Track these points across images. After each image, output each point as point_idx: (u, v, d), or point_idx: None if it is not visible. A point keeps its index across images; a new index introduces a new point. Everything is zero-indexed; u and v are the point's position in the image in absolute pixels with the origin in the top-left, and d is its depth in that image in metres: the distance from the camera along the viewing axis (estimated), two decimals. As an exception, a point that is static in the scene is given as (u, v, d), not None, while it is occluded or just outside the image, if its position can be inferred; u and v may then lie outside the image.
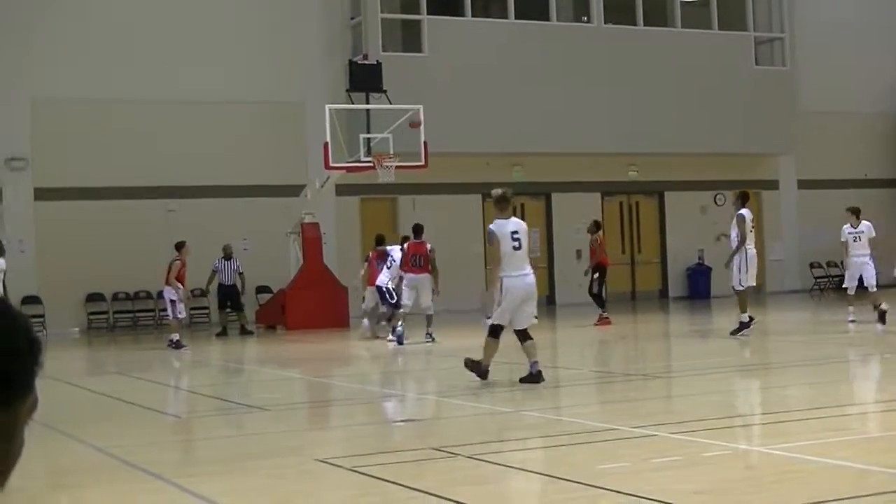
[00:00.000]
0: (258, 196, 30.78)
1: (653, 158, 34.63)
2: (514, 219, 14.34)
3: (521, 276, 13.89)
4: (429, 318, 22.12)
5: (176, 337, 22.94)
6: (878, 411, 11.03)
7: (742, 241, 19.87)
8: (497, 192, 14.26)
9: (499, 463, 9.04)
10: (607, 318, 25.12)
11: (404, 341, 21.35)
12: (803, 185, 36.87)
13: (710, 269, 35.42)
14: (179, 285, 23.33)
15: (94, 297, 29.16)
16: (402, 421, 12.20)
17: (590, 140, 32.97)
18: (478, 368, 14.40)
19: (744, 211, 20.19)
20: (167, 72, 29.99)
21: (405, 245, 22.51)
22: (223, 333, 26.44)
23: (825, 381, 15.00)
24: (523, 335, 14.14)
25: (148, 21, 30.21)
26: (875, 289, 21.38)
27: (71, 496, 9.02)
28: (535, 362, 14.08)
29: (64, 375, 18.34)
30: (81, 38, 29.51)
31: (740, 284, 19.88)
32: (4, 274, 21.30)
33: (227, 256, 27.03)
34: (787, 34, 36.18)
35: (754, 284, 20.36)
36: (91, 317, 29.40)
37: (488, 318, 21.70)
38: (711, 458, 8.99)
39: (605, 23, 34.06)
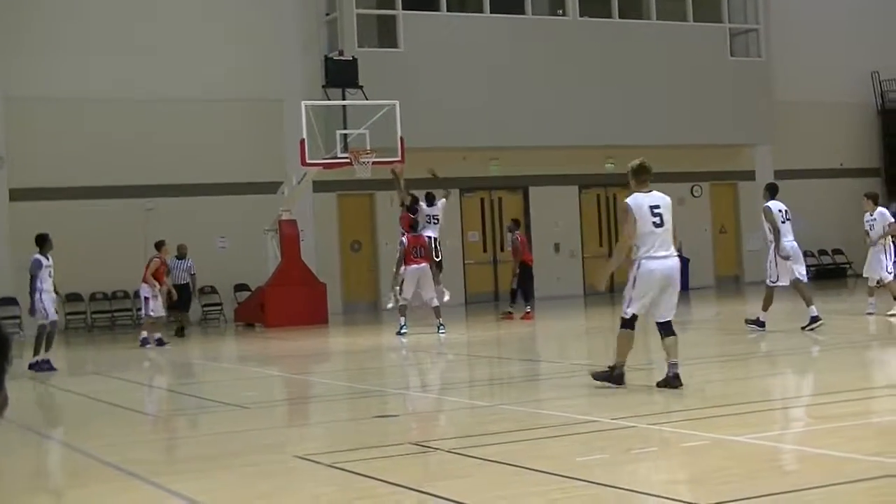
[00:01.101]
0: (235, 194, 30.72)
1: (630, 150, 34.34)
2: (655, 192, 12.65)
3: (662, 259, 12.28)
4: (436, 310, 22.50)
5: (144, 335, 23.11)
6: (859, 399, 11.07)
7: (776, 233, 19.09)
8: (635, 162, 12.90)
9: (478, 457, 9.04)
10: (510, 313, 25.53)
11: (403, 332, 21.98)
12: (780, 175, 36.88)
13: (688, 260, 35.43)
14: (157, 283, 23.36)
15: (71, 298, 29.04)
16: (381, 416, 12.19)
17: (566, 133, 32.99)
18: (609, 375, 12.76)
19: (771, 203, 19.57)
20: (143, 70, 29.91)
21: (405, 238, 22.65)
22: (180, 333, 26.11)
23: (805, 371, 15.07)
24: (666, 329, 12.63)
25: (123, 19, 30.11)
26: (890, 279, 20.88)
27: (50, 497, 8.99)
28: (675, 363, 12.44)
29: (42, 376, 18.30)
30: (56, 36, 29.41)
31: (771, 280, 19.02)
32: None
33: (181, 256, 26.58)
34: (762, 25, 36.25)
35: (789, 281, 19.07)
36: (69, 317, 29.29)
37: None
38: (690, 448, 9.02)
39: (580, 16, 34.06)
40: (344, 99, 28.74)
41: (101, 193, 29.60)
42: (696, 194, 36.33)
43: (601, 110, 33.16)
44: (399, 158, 26.58)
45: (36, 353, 18.69)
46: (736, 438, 9.21)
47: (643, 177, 12.72)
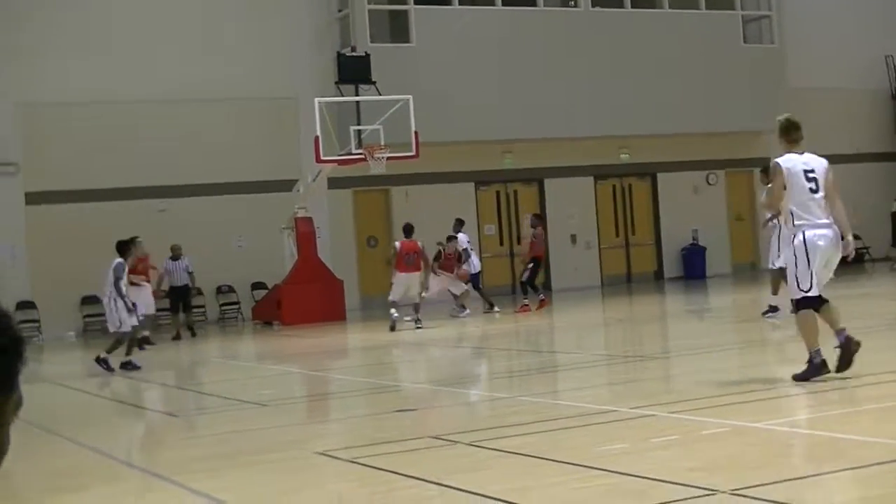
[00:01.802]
0: (250, 192, 30.74)
1: (644, 140, 34.63)
2: (807, 154, 11.30)
3: (825, 228, 11.00)
4: (416, 306, 22.99)
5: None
6: (877, 383, 11.05)
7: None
8: (782, 117, 11.53)
9: (497, 449, 9.05)
10: (527, 305, 25.47)
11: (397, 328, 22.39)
12: (795, 161, 36.83)
13: (704, 248, 35.46)
14: (143, 280, 23.09)
15: (88, 300, 29.11)
16: (399, 411, 12.21)
17: (580, 124, 32.96)
18: (812, 369, 11.06)
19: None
20: (154, 70, 29.94)
21: (398, 244, 23.00)
22: (178, 337, 25.54)
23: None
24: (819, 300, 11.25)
25: (133, 20, 30.15)
26: None
27: (71, 498, 9.03)
28: (843, 330, 11.08)
29: (61, 379, 18.37)
30: (66, 40, 29.43)
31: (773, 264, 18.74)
32: None
33: (176, 257, 26.19)
34: (774, 12, 36.14)
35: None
36: (87, 319, 29.36)
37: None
38: (709, 435, 9.01)
39: (592, 6, 34.04)
40: (357, 95, 28.76)
41: (115, 195, 29.61)
42: (711, 182, 36.24)
43: (614, 101, 33.10)
44: (414, 153, 26.59)
45: (128, 353, 18.56)
46: (755, 425, 9.20)
47: (794, 134, 11.31)
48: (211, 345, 25.17)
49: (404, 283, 22.90)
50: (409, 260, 22.83)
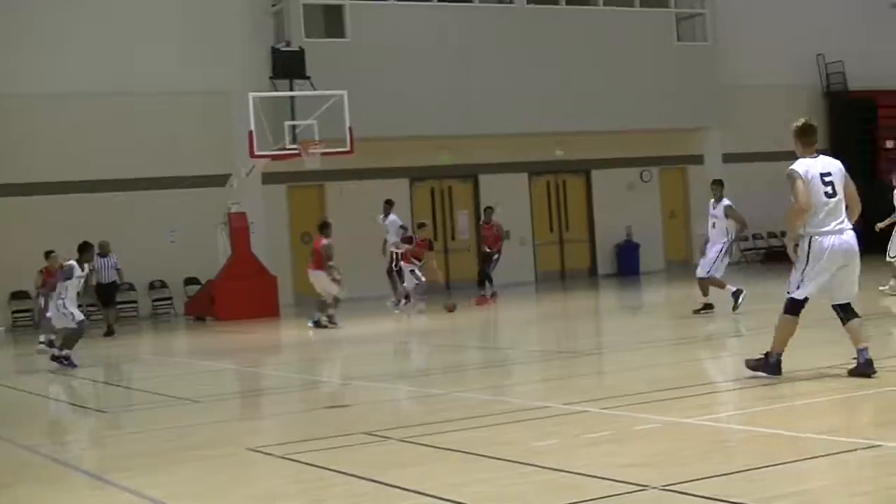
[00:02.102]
0: (184, 187, 30.50)
1: (579, 137, 34.75)
2: (823, 157, 11.10)
3: (836, 233, 10.75)
4: (319, 304, 22.88)
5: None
6: (806, 378, 11.16)
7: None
8: (800, 121, 11.26)
9: (431, 445, 9.05)
10: (486, 297, 26.04)
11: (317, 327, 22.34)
12: (728, 158, 37.14)
13: (637, 245, 35.68)
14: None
15: (18, 296, 28.78)
16: (332, 407, 12.17)
17: (516, 120, 33.00)
18: (765, 364, 11.22)
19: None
20: (86, 63, 29.60)
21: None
22: (109, 333, 25.27)
23: (752, 352, 15.16)
24: (846, 311, 11.04)
25: (65, 13, 29.79)
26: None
27: (1, 496, 8.91)
28: (864, 349, 10.88)
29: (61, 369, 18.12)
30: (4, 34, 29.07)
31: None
32: None
33: (104, 254, 25.81)
34: (707, 10, 36.41)
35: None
36: (15, 315, 29.02)
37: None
38: (642, 431, 9.06)
39: (527, 3, 34.12)
40: (291, 90, 28.63)
41: (44, 190, 29.18)
42: (645, 179, 36.47)
43: (550, 97, 33.17)
44: (348, 149, 26.54)
45: (67, 347, 18.38)
46: (686, 420, 9.26)
47: (810, 138, 11.09)
48: (143, 341, 24.96)
49: (310, 281, 22.97)
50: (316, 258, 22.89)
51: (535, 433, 9.29)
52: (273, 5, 31.96)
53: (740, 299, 18.99)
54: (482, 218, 27.88)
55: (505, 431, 9.59)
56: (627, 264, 35.50)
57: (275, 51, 29.75)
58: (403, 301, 25.17)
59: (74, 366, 18.10)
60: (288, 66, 29.21)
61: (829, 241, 10.70)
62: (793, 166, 10.93)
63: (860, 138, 38.08)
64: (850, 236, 10.78)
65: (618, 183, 35.97)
